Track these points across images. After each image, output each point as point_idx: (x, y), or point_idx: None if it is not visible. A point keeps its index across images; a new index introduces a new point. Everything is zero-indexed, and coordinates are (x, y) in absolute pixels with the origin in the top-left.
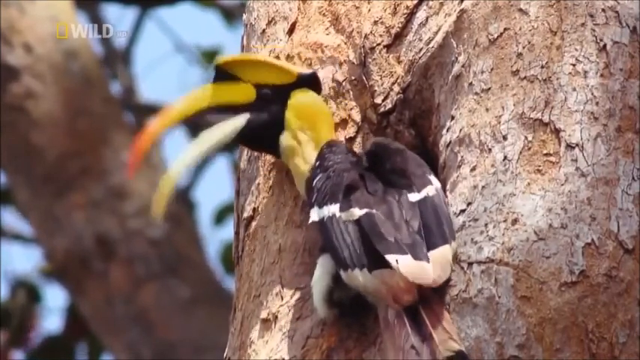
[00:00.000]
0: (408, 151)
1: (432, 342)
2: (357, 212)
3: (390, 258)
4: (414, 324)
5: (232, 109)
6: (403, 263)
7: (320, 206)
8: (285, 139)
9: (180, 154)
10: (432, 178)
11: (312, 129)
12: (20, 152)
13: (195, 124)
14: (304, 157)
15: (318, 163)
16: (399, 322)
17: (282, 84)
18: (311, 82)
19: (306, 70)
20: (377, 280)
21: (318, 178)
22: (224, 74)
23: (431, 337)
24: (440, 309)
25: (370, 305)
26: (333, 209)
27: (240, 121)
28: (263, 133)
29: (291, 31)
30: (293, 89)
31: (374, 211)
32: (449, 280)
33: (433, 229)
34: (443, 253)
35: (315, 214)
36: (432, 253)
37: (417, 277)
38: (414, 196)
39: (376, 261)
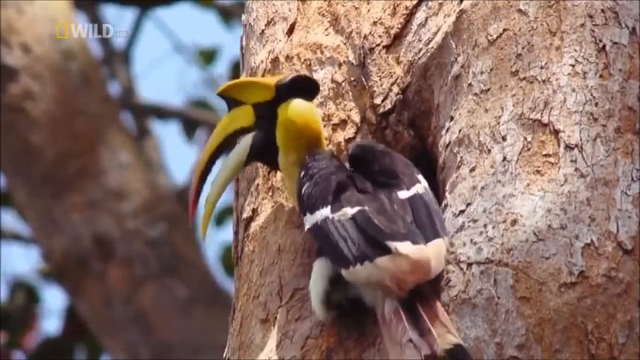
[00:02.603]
0: (394, 152)
1: (430, 336)
2: (350, 211)
3: (390, 245)
4: (412, 319)
5: (242, 132)
6: (403, 248)
7: (312, 212)
8: (280, 158)
9: (209, 185)
10: (420, 177)
11: (297, 148)
12: (18, 153)
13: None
14: (291, 177)
15: (302, 173)
16: (397, 318)
17: (266, 101)
18: (300, 86)
19: (285, 78)
20: (380, 268)
21: (305, 186)
22: (229, 100)
23: (429, 332)
24: (436, 304)
25: (368, 307)
26: (324, 212)
27: (247, 140)
28: (264, 152)
29: (290, 31)
30: (278, 103)
31: (366, 207)
32: (443, 275)
33: (425, 224)
34: (436, 246)
35: (308, 222)
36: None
37: (419, 258)
38: (403, 194)
39: (377, 251)
